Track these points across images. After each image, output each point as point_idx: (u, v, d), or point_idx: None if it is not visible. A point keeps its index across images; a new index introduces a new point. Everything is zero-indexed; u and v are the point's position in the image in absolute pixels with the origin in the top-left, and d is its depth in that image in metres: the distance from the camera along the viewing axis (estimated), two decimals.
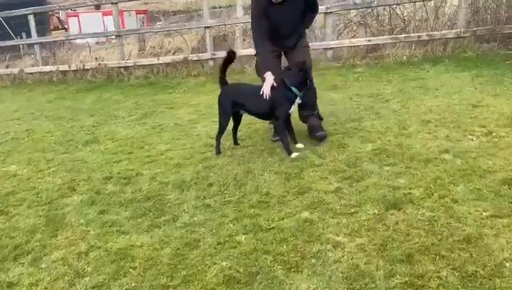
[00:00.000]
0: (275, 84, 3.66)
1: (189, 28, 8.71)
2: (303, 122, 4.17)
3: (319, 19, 7.92)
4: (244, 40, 8.32)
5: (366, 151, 3.47)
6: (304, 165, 3.33)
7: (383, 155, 3.32)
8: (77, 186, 3.44)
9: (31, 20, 9.15)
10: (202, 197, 3.03)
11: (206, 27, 7.96)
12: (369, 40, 7.08)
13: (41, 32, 11.61)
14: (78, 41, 12.67)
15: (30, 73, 9.51)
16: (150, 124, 5.22)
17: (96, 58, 9.31)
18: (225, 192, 3.07)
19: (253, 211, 2.72)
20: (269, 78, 3.68)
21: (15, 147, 4.75)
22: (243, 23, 8.20)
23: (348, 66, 7.08)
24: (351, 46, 7.27)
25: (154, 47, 9.02)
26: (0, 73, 9.80)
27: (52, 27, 28.69)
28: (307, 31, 4.36)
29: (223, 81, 3.94)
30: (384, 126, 4.01)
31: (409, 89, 5.36)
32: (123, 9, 28.65)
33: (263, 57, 3.92)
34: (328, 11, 7.17)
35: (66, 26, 27.02)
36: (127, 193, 3.22)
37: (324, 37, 7.44)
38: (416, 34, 6.90)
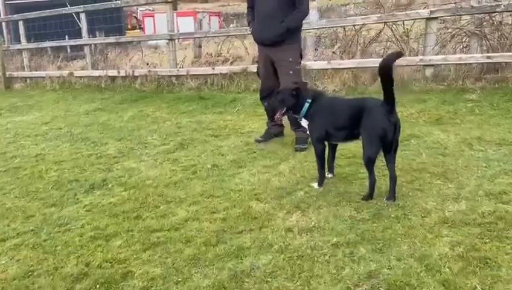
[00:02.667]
0: None
1: (249, 33, 7.33)
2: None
3: (421, 25, 6.17)
4: (316, 49, 6.76)
5: None
6: None
7: None
8: None
9: (83, 19, 8.33)
10: None
11: None
12: (489, 57, 5.19)
13: (118, 32, 10.92)
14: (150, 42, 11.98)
15: (79, 77, 8.73)
16: (181, 162, 3.88)
17: (147, 64, 8.29)
18: None
19: None
20: None
21: (4, 185, 3.63)
22: (317, 29, 6.66)
23: (455, 90, 5.27)
24: (461, 64, 5.42)
25: (211, 54, 7.77)
26: (50, 75, 9.16)
27: (130, 26, 29.17)
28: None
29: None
30: None
31: None
32: (197, 11, 28.39)
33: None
34: (432, 16, 5.39)
35: (142, 26, 27.25)
36: None
37: (423, 49, 5.66)
38: None
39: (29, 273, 2.25)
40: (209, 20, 24.84)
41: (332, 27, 6.45)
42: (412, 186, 2.92)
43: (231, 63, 7.36)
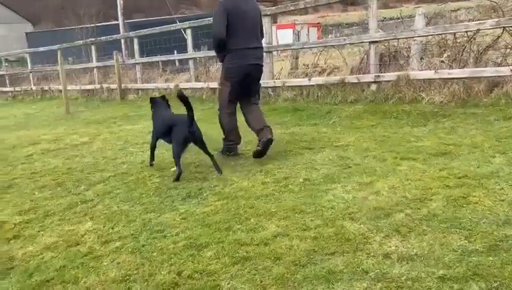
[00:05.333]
0: None
1: (349, 44, 7.10)
2: None
3: None
4: (422, 58, 6.28)
5: None
6: None
7: None
8: None
9: (189, 34, 8.87)
10: None
11: (371, 42, 6.23)
12: None
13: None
14: None
15: (183, 88, 9.29)
16: (273, 174, 3.84)
17: None
18: None
19: None
20: None
21: (112, 189, 3.92)
22: (423, 36, 6.20)
23: None
24: None
25: (307, 65, 7.71)
26: (159, 86, 9.90)
27: None
28: None
29: None
30: None
31: None
32: (296, 22, 28.63)
33: None
34: None
35: None
36: None
37: None
38: None
39: (127, 277, 2.37)
40: (308, 31, 24.89)
41: (441, 34, 5.95)
42: None
43: (328, 74, 7.20)
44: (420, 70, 5.97)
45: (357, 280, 2.09)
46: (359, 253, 2.34)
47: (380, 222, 2.69)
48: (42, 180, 4.39)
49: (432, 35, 6.07)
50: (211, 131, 5.93)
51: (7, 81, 16.48)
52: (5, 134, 7.64)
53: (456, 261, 2.15)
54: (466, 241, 2.31)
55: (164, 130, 4.22)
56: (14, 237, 3.07)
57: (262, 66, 4.65)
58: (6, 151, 6.05)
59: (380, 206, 2.91)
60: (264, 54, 7.75)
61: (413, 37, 6.21)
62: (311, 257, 2.36)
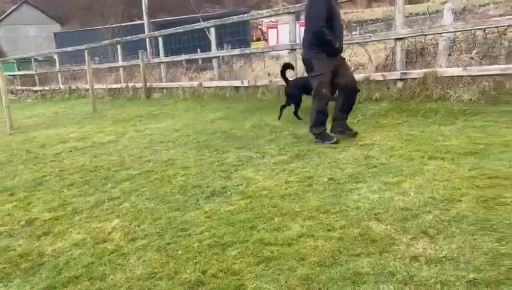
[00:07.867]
0: None
1: (374, 40, 6.97)
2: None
3: None
4: (450, 55, 6.12)
5: None
6: None
7: None
8: None
9: (212, 33, 8.91)
10: None
11: (397, 38, 6.11)
12: None
13: (244, 44, 11.80)
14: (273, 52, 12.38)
15: (207, 87, 9.35)
16: (297, 173, 3.82)
17: (268, 74, 8.50)
18: None
19: None
20: None
21: (138, 187, 3.99)
22: (451, 32, 6.03)
23: None
24: None
25: None
26: (183, 85, 9.99)
27: (255, 38, 30.44)
28: None
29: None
30: None
31: None
32: None
33: None
34: None
35: (266, 38, 28.23)
36: None
37: None
38: None
39: (152, 275, 2.40)
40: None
41: (471, 29, 5.78)
42: None
43: (353, 71, 7.09)
44: (448, 67, 5.81)
45: (384, 283, 2.05)
46: (386, 255, 2.30)
47: (407, 223, 2.64)
48: (70, 178, 4.51)
49: (461, 31, 5.90)
50: (238, 131, 5.97)
51: (37, 81, 17.00)
52: (35, 132, 7.88)
53: (487, 264, 2.08)
54: (497, 244, 2.24)
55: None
56: (44, 233, 3.16)
57: (303, 57, 4.87)
58: (36, 149, 6.24)
59: (407, 206, 2.86)
60: (289, 51, 7.73)
61: (441, 33, 6.05)
62: (336, 258, 2.33)
